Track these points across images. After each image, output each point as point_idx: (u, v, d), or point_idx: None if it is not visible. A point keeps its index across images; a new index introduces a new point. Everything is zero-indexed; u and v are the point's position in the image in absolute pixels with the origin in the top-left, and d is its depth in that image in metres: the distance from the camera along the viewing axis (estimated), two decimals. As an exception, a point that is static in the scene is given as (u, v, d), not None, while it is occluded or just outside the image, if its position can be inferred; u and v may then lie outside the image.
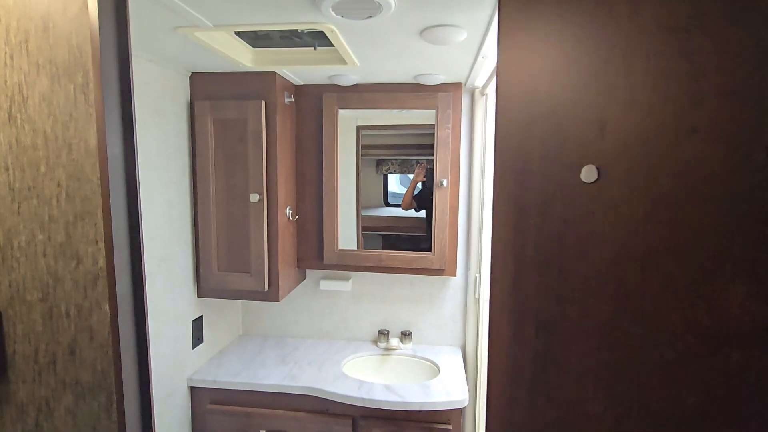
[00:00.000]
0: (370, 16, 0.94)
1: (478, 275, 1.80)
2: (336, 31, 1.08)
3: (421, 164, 1.88)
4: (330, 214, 1.77)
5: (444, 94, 1.64)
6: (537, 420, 0.71)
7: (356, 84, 1.68)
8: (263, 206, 1.57)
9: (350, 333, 1.99)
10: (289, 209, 1.70)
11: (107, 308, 0.66)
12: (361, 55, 1.31)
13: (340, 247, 1.80)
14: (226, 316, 1.92)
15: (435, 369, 1.74)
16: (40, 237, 0.66)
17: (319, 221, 1.81)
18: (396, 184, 2.05)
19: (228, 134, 1.56)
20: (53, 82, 0.63)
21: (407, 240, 2.00)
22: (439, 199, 1.71)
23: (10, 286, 0.67)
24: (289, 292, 1.76)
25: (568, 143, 0.65)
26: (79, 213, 0.64)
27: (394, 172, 1.99)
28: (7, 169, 0.65)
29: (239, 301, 2.04)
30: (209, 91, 1.58)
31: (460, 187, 1.80)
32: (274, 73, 1.52)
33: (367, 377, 1.78)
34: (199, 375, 1.62)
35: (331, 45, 1.30)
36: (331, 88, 1.71)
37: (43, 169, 0.64)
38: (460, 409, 1.51)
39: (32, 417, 0.69)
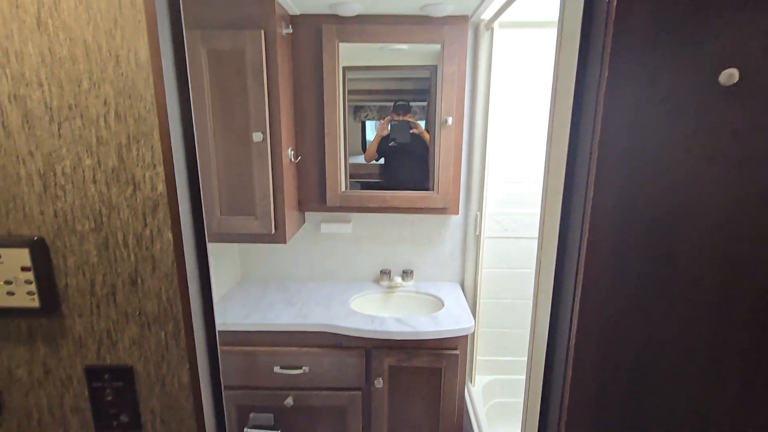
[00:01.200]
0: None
1: (478, 213, 1.85)
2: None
3: (386, 118, 1.82)
4: (333, 155, 1.73)
5: (450, 27, 1.59)
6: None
7: (358, 15, 1.59)
8: (267, 146, 1.50)
9: (352, 274, 2.03)
10: (291, 150, 1.65)
11: (170, 236, 0.63)
12: (374, -22, 1.22)
13: (343, 189, 1.79)
14: (224, 262, 1.89)
15: (438, 302, 1.83)
16: (88, 162, 0.60)
17: (320, 163, 1.76)
18: (371, 131, 1.94)
19: (224, 67, 1.45)
20: (91, -18, 0.55)
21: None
22: (443, 138, 1.70)
23: (55, 215, 0.62)
24: (293, 235, 1.74)
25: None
26: (133, 134, 0.59)
27: (372, 118, 1.93)
28: (41, 85, 0.58)
29: (237, 247, 2.00)
30: (199, 18, 1.44)
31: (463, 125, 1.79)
32: (273, -1, 1.40)
33: (376, 313, 1.84)
34: (208, 318, 1.61)
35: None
36: (331, 19, 1.60)
37: (85, 84, 0.58)
38: (466, 336, 1.61)
39: (93, 351, 0.67)
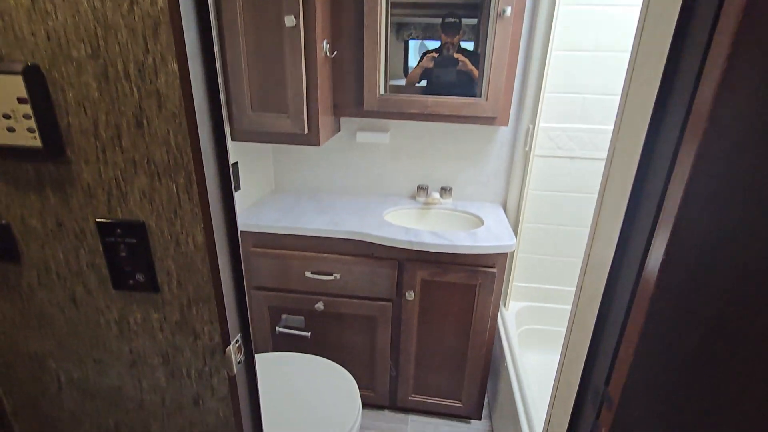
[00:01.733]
0: None
1: (531, 126, 1.66)
2: None
3: (431, 54, 1.59)
4: (372, 51, 1.56)
5: None
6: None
7: None
8: (299, 32, 1.36)
9: (387, 188, 1.94)
10: (327, 43, 1.49)
11: (175, 66, 0.53)
12: None
13: (382, 92, 1.63)
14: (258, 168, 1.84)
15: (478, 220, 1.71)
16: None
17: (358, 61, 1.60)
18: (414, 55, 1.68)
19: (253, -64, 1.28)
20: None
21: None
22: (499, 33, 1.48)
23: (48, 38, 0.54)
24: (327, 139, 1.64)
25: None
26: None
27: (417, 37, 1.66)
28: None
29: (271, 154, 1.94)
30: None
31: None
32: None
33: (411, 226, 1.77)
34: (241, 219, 1.59)
35: None
36: None
37: None
38: (505, 254, 1.50)
39: (103, 202, 0.62)
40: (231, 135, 1.54)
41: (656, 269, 0.53)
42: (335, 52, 1.57)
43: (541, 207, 1.82)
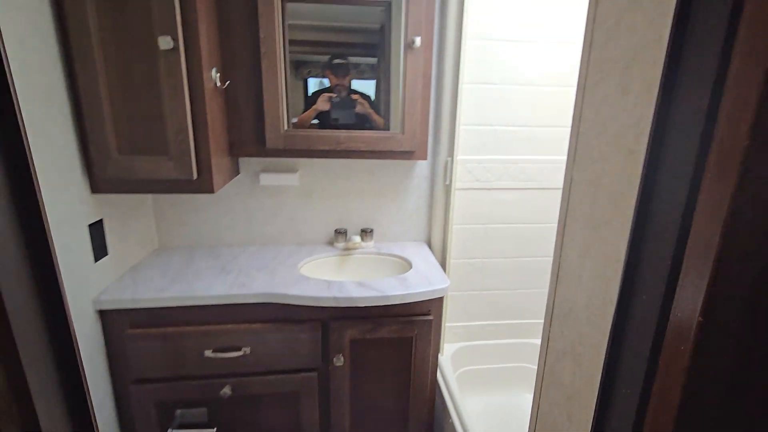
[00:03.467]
0: None
1: (449, 159, 1.59)
2: None
3: (327, 95, 1.46)
4: (272, 81, 1.36)
5: None
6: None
7: None
8: (179, 57, 1.11)
9: (300, 236, 1.70)
10: (216, 72, 1.26)
11: None
12: None
13: (287, 128, 1.43)
14: (133, 225, 1.47)
15: (405, 263, 1.57)
16: None
17: (256, 93, 1.39)
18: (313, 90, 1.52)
19: (110, -61, 1.02)
20: None
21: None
22: (410, 65, 1.40)
23: None
24: (224, 183, 1.37)
25: None
26: None
27: (317, 75, 1.50)
28: None
29: (151, 205, 1.58)
30: None
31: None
32: None
33: (332, 278, 1.54)
34: (109, 295, 1.22)
35: None
36: None
37: None
38: (441, 298, 1.37)
39: None
40: (91, 186, 1.19)
41: (691, 329, 0.41)
42: (228, 82, 1.34)
43: (465, 241, 1.75)
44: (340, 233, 1.67)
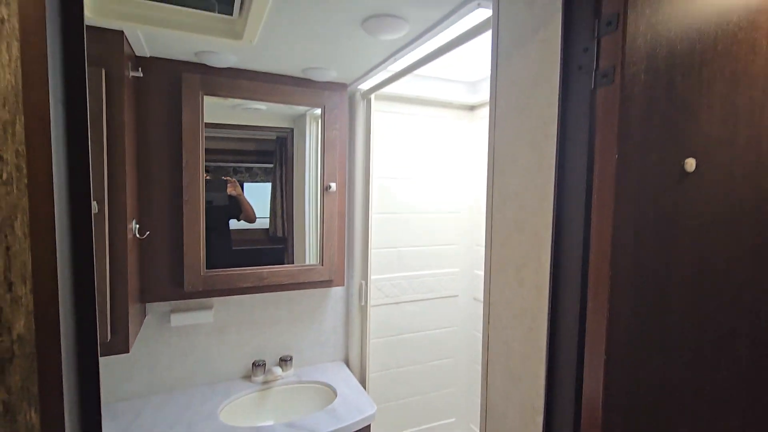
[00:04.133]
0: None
1: (363, 282, 1.75)
2: (269, -7, 0.86)
3: (231, 181, 1.60)
4: (193, 226, 1.39)
5: (330, 93, 1.54)
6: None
7: (229, 68, 1.38)
8: (104, 219, 1.09)
9: (214, 374, 1.61)
10: (136, 223, 1.25)
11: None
12: (268, 32, 1.08)
13: (206, 269, 1.44)
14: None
15: (329, 390, 1.59)
16: None
17: (174, 238, 1.39)
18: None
19: (35, 111, 1.02)
20: None
21: (260, 253, 1.74)
22: (327, 205, 1.58)
23: None
24: (136, 336, 1.28)
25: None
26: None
27: (241, 180, 1.65)
28: None
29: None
30: None
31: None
32: (121, 33, 1.09)
33: (258, 421, 1.47)
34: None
35: (229, 11, 1.04)
36: (195, 68, 1.35)
37: None
38: (369, 425, 1.42)
39: None
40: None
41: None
42: (147, 233, 1.32)
43: (380, 355, 1.86)
44: (258, 366, 1.63)
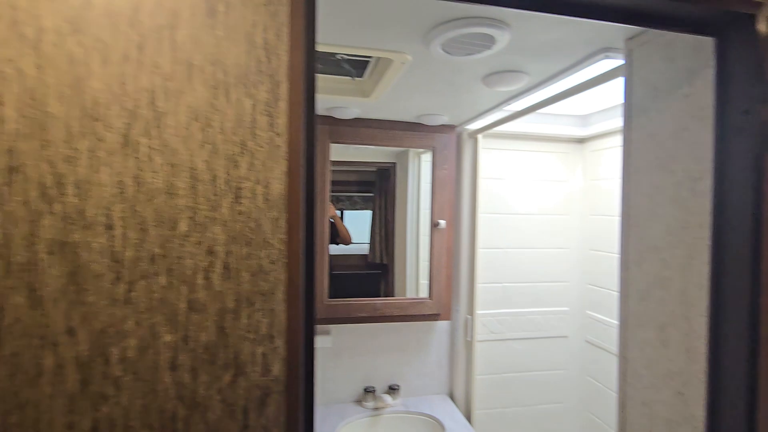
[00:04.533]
0: (470, 54, 0.88)
1: (469, 317, 1.77)
2: (402, 62, 0.98)
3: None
4: (319, 259, 1.56)
5: (441, 135, 1.64)
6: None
7: (353, 118, 1.56)
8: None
9: (329, 396, 1.74)
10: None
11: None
12: (391, 90, 1.21)
13: (327, 298, 1.59)
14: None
15: (437, 424, 1.62)
16: (168, 338, 0.40)
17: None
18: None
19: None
20: (216, 94, 0.40)
21: (357, 278, 1.90)
22: (436, 241, 1.66)
23: (95, 428, 0.38)
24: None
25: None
26: (246, 295, 0.41)
27: (342, 208, 1.93)
28: (110, 228, 0.38)
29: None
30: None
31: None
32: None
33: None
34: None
35: (361, 75, 1.19)
36: (324, 120, 1.55)
37: (183, 227, 0.40)
38: (481, 465, 1.42)
39: None
40: None
41: None
42: (283, 265, 1.52)
43: (485, 392, 1.84)
44: (369, 392, 1.72)
